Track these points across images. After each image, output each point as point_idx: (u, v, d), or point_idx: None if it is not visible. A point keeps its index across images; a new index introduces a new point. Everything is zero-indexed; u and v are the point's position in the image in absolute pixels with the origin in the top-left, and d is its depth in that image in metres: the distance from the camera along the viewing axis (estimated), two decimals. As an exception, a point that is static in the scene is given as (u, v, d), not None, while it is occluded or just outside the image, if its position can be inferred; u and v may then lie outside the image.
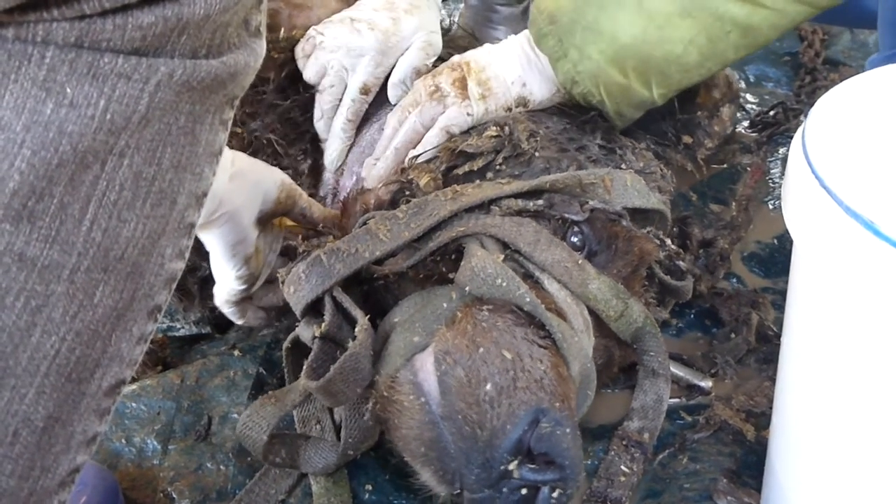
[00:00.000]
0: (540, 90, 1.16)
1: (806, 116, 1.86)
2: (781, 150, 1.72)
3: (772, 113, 1.80)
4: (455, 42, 1.41)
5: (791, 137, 1.79)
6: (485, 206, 1.04)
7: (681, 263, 1.19)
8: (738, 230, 1.49)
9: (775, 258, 1.47)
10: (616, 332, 1.07)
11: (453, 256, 1.03)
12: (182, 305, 1.27)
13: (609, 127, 1.20)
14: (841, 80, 1.97)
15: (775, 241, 1.50)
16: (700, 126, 1.33)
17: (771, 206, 1.59)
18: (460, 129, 1.13)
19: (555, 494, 0.88)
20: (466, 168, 1.10)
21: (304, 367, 0.98)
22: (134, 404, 1.16)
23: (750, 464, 1.10)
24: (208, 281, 1.26)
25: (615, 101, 1.15)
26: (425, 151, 1.12)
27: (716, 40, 1.11)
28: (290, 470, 1.09)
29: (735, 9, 1.08)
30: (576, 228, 1.06)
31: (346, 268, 1.00)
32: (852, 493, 0.87)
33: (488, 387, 0.88)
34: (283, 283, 1.04)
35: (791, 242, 0.87)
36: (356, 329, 0.97)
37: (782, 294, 1.42)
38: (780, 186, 1.61)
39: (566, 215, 1.05)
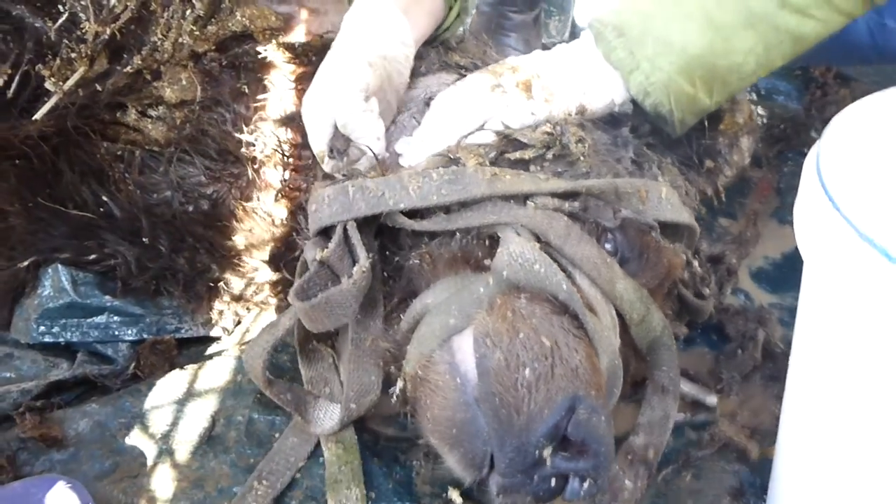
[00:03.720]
0: (597, 100, 1.18)
1: (816, 132, 1.86)
2: (790, 165, 1.73)
3: (782, 126, 1.81)
4: (467, 49, 1.41)
5: (800, 152, 1.80)
6: (520, 199, 1.05)
7: (706, 289, 1.20)
8: (746, 245, 1.50)
9: (783, 274, 1.48)
10: (635, 337, 1.08)
11: (487, 242, 1.04)
12: (191, 307, 1.27)
13: (640, 143, 1.21)
14: (852, 96, 1.97)
15: (783, 257, 1.50)
16: (721, 153, 1.35)
17: (779, 221, 1.59)
18: (520, 126, 1.14)
19: (585, 485, 0.88)
20: (518, 155, 1.11)
21: (295, 284, 1.03)
22: (140, 403, 1.16)
23: (754, 483, 1.10)
24: (217, 283, 1.28)
25: (681, 110, 1.18)
26: (476, 133, 1.13)
27: (770, 49, 1.16)
28: (306, 437, 1.11)
29: (791, 20, 1.13)
30: (609, 235, 1.07)
31: (367, 207, 1.04)
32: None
33: (527, 372, 0.89)
34: (306, 200, 1.09)
35: (799, 258, 0.87)
36: (354, 269, 1.01)
37: (789, 310, 1.42)
38: (788, 201, 1.61)
39: (599, 220, 1.06)
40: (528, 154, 1.10)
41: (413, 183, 1.04)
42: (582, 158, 1.11)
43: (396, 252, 1.11)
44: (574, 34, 2.11)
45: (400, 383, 1.00)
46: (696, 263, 1.18)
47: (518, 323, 0.92)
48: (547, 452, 0.87)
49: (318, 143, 1.16)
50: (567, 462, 0.87)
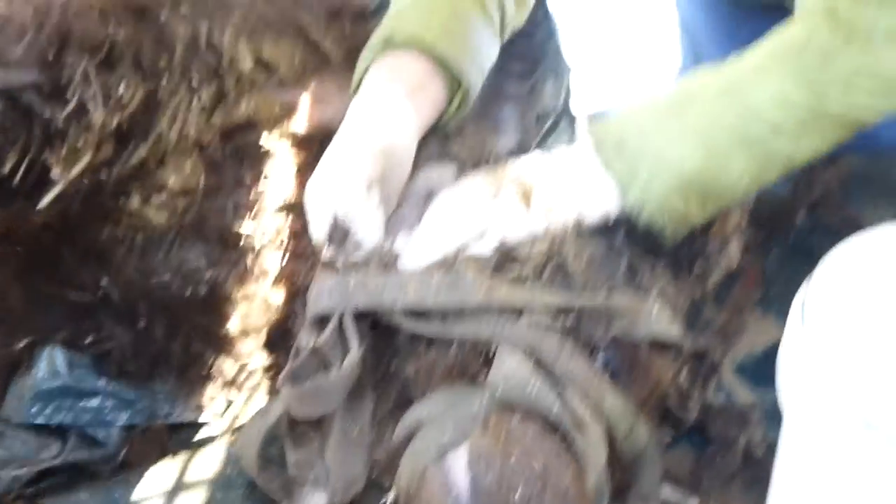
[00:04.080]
0: (594, 211, 1.20)
1: (801, 216, 1.83)
2: (775, 252, 1.74)
3: (768, 211, 1.82)
4: (466, 137, 1.42)
5: (785, 238, 1.81)
6: (515, 312, 1.07)
7: (692, 395, 1.23)
8: (730, 338, 1.51)
9: (763, 368, 1.47)
10: (620, 450, 1.10)
11: (482, 356, 1.07)
12: (184, 392, 1.29)
13: (633, 252, 1.23)
14: (838, 175, 1.95)
15: (764, 352, 1.51)
16: (710, 257, 1.38)
17: (762, 311, 1.60)
18: (519, 239, 1.16)
19: None
20: (516, 273, 1.12)
21: (286, 368, 1.07)
22: (129, 493, 1.17)
23: None
24: (211, 368, 1.29)
25: (674, 225, 1.20)
26: (475, 243, 1.15)
27: (764, 170, 1.18)
28: None
29: (785, 145, 1.15)
30: (601, 351, 1.10)
31: (364, 303, 1.08)
32: None
33: (517, 495, 0.92)
34: (304, 287, 1.14)
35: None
36: (346, 359, 1.05)
37: (770, 408, 1.43)
38: (771, 291, 1.63)
39: (591, 336, 1.09)
40: (526, 270, 1.13)
41: (412, 285, 1.08)
42: (578, 273, 1.13)
43: (393, 354, 1.13)
44: (567, 103, 2.13)
45: (392, 495, 1.02)
46: (682, 375, 1.21)
47: (511, 444, 0.95)
48: None
49: (318, 232, 1.19)
50: None
